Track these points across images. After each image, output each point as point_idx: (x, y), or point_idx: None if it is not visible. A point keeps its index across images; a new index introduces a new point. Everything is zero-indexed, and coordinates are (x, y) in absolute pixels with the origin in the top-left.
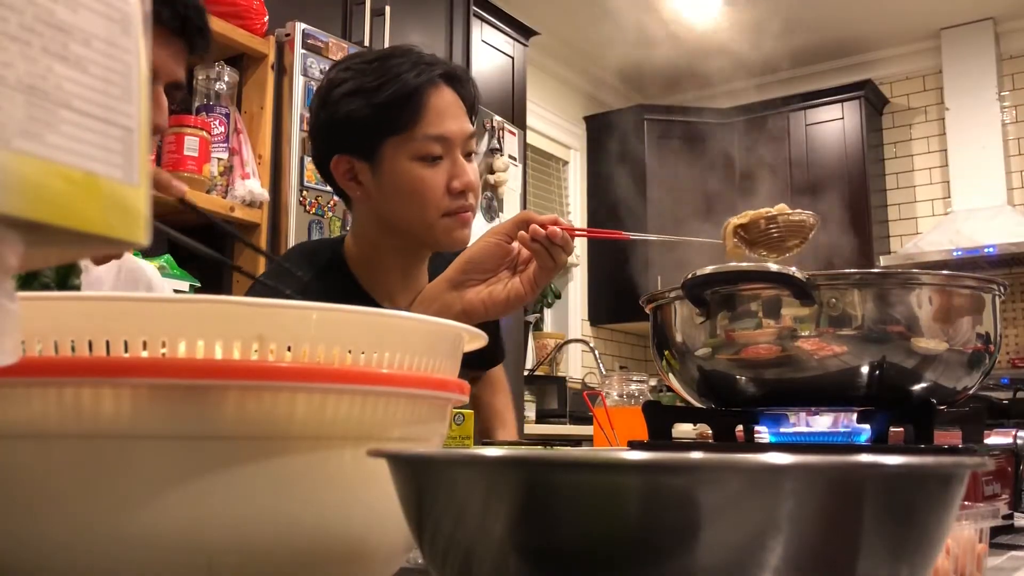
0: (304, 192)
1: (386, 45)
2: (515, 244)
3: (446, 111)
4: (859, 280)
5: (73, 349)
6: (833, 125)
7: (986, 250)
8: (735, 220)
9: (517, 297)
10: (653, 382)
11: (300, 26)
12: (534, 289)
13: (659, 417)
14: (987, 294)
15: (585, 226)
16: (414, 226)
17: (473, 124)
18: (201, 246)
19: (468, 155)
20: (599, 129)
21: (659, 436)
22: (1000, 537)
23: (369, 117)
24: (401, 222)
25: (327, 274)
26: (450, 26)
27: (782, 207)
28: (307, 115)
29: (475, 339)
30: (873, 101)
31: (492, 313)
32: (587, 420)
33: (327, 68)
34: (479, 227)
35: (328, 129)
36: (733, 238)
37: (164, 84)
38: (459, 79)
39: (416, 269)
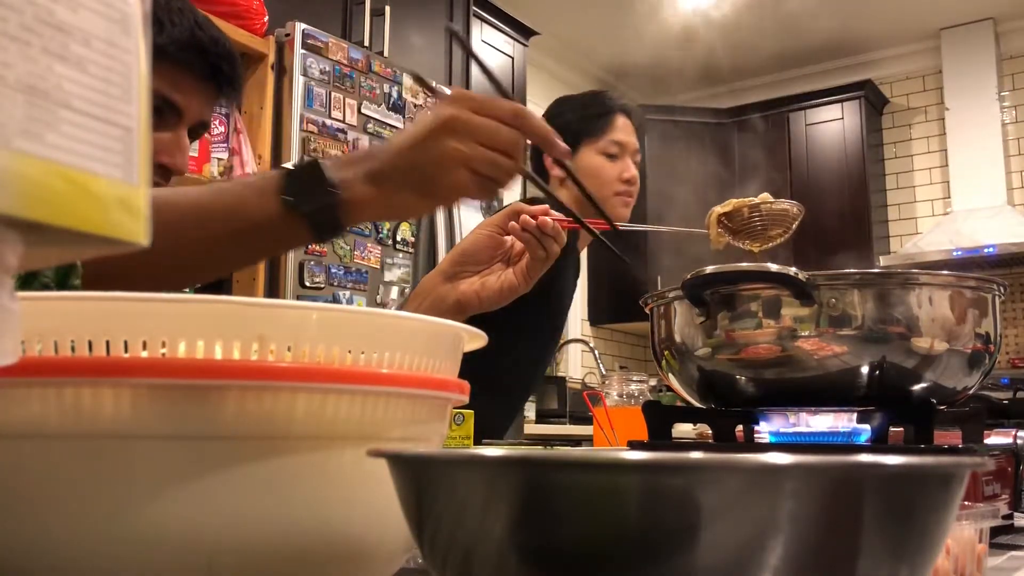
0: None
1: (386, 45)
2: (508, 237)
3: (622, 128)
4: (859, 280)
5: (73, 349)
6: (833, 125)
7: (986, 250)
8: (719, 209)
9: (510, 288)
10: (653, 382)
11: (300, 26)
12: (527, 280)
13: (659, 417)
14: (987, 294)
15: None
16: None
17: (639, 145)
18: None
19: (635, 163)
20: None
21: (659, 436)
22: (1000, 537)
23: (574, 124)
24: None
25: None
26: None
27: (765, 196)
28: (307, 115)
29: (475, 339)
30: (873, 101)
31: (486, 304)
32: (587, 420)
33: (326, 68)
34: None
35: None
36: (717, 227)
37: (189, 125)
38: (631, 112)
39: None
